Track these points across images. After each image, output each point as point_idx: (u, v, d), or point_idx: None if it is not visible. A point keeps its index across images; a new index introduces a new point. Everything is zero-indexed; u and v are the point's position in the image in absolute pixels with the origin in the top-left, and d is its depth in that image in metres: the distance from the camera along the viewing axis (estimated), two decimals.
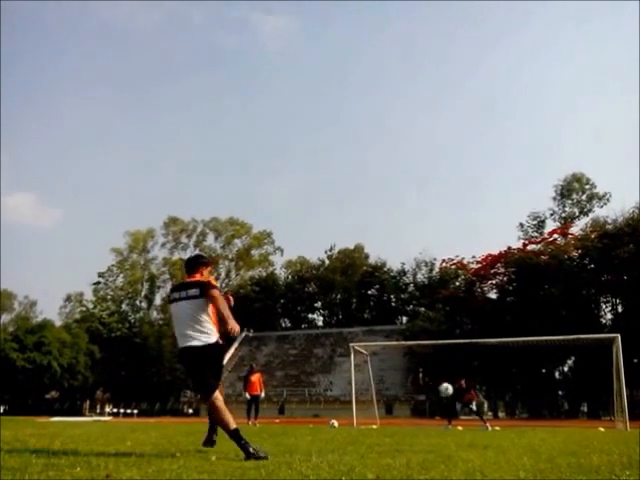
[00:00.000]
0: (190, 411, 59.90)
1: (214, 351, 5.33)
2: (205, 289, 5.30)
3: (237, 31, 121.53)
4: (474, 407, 17.70)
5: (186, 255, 78.11)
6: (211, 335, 5.29)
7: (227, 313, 5.20)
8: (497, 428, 16.08)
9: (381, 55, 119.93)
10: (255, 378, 19.22)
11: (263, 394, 19.56)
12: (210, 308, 5.37)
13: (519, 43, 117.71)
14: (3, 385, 55.06)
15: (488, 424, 16.19)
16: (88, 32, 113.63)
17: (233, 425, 5.05)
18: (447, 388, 17.03)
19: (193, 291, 5.34)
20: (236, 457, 4.90)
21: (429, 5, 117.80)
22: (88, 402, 69.39)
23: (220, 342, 5.40)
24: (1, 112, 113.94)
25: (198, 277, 5.57)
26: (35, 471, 3.69)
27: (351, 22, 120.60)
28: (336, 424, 16.75)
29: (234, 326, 5.13)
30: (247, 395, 19.00)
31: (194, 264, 5.72)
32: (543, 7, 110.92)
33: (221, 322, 5.29)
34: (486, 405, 67.24)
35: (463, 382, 17.42)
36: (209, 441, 5.76)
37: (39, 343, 54.32)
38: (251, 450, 4.81)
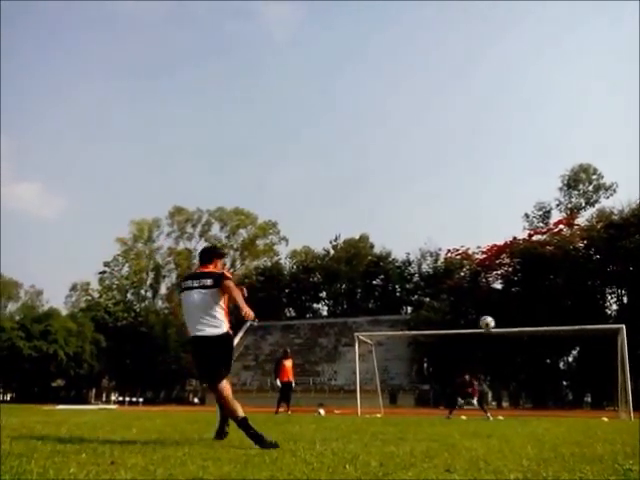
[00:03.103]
0: (196, 400, 60.23)
1: (225, 341, 5.40)
2: (220, 280, 5.36)
3: (242, 19, 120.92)
4: (475, 402, 17.57)
5: (191, 245, 78.43)
6: (223, 326, 5.36)
7: (241, 300, 5.28)
8: (500, 417, 16.12)
9: (388, 42, 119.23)
10: (289, 364, 18.02)
11: (294, 382, 18.43)
12: (223, 300, 5.43)
13: (528, 33, 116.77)
14: (10, 373, 55.40)
15: (489, 414, 16.19)
16: (93, 19, 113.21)
17: (242, 414, 5.07)
18: (489, 323, 17.15)
19: (208, 281, 5.38)
20: (240, 444, 4.93)
21: None
22: (94, 390, 69.83)
23: (231, 333, 5.47)
24: (5, 100, 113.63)
25: (212, 268, 5.62)
26: (41, 457, 3.72)
27: (357, 11, 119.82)
28: (323, 412, 16.82)
29: (248, 311, 5.19)
30: (278, 383, 17.71)
31: (209, 255, 5.77)
32: None
33: (236, 309, 5.36)
34: (490, 395, 67.37)
35: (467, 376, 17.43)
36: (221, 433, 5.80)
37: (45, 332, 54.59)
38: (261, 438, 4.82)
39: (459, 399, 17.77)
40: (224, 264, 5.94)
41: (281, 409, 17.55)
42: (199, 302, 5.34)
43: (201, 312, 5.32)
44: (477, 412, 17.36)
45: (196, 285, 5.41)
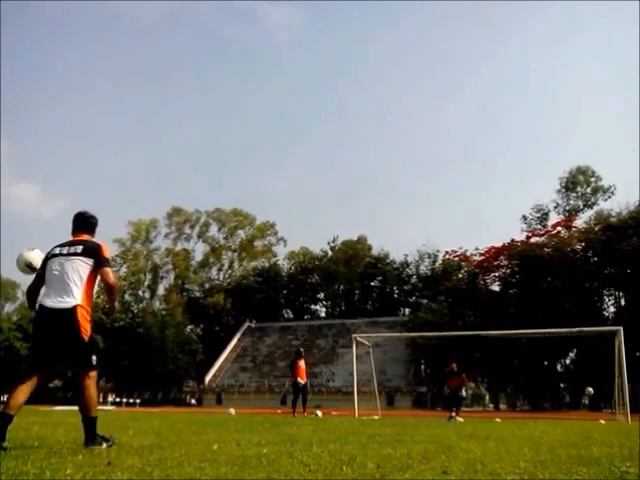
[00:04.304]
0: (193, 401, 60.16)
1: (80, 319, 4.62)
2: (99, 253, 4.80)
3: (243, 21, 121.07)
4: (464, 393, 17.17)
5: (189, 246, 78.36)
6: (79, 300, 4.66)
7: (114, 292, 4.95)
8: (498, 420, 16.12)
9: (389, 43, 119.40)
10: (303, 364, 17.71)
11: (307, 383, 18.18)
12: (88, 274, 4.74)
13: (528, 35, 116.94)
14: (7, 374, 55.28)
15: (458, 416, 15.84)
16: (93, 22, 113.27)
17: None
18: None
19: (80, 249, 4.79)
20: (238, 446, 4.93)
21: None
22: None
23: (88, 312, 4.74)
24: (4, 102, 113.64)
25: (86, 237, 4.99)
26: (38, 458, 3.72)
27: (358, 14, 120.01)
28: (320, 414, 16.79)
29: (115, 305, 5.08)
30: (300, 381, 17.40)
31: (86, 222, 5.12)
32: None
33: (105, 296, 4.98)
34: (487, 397, 67.35)
35: (454, 365, 16.97)
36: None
37: None
38: (94, 438, 4.57)
39: (445, 388, 17.34)
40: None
41: (299, 409, 17.30)
42: (69, 271, 4.69)
43: (68, 283, 4.66)
44: (478, 413, 17.30)
45: (69, 252, 4.78)
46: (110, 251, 5.05)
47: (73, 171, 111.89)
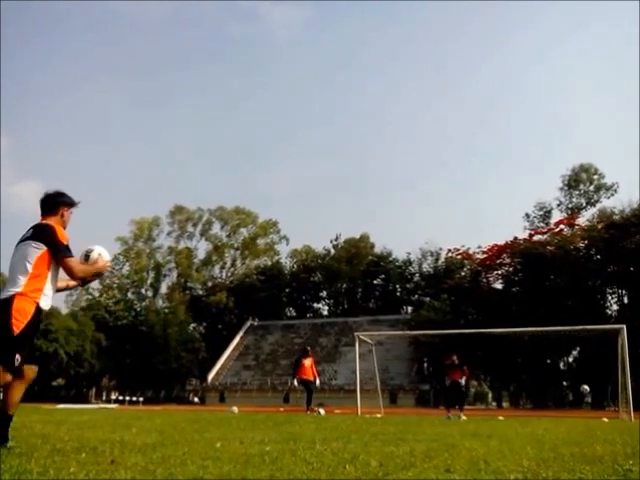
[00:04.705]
0: (196, 399, 60.25)
1: (14, 309, 4.06)
2: (49, 236, 4.23)
3: (245, 20, 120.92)
4: (462, 382, 16.96)
5: (192, 244, 78.40)
6: (21, 288, 4.12)
7: (87, 282, 4.71)
8: (501, 418, 16.09)
9: (389, 43, 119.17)
10: (309, 362, 17.25)
11: (318, 382, 17.63)
12: (36, 259, 4.19)
13: (530, 34, 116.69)
14: None
15: (462, 413, 15.78)
16: (97, 19, 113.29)
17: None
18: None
19: (30, 232, 4.32)
20: (241, 444, 4.93)
21: None
22: (94, 389, 69.88)
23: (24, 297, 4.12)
24: (6, 99, 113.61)
25: (53, 220, 4.41)
26: (41, 456, 3.72)
27: (360, 12, 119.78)
28: (323, 412, 16.78)
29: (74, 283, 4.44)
30: (295, 382, 17.30)
31: (48, 203, 4.51)
32: None
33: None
34: (490, 395, 67.30)
35: (455, 357, 16.76)
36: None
37: (46, 331, 54.59)
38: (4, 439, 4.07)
39: (446, 379, 17.12)
40: (69, 215, 4.57)
41: (315, 407, 17.12)
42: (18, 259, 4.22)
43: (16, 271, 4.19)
44: (480, 411, 17.25)
45: (20, 239, 4.33)
46: (66, 237, 4.31)
47: (74, 169, 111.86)
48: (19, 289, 4.08)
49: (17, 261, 4.21)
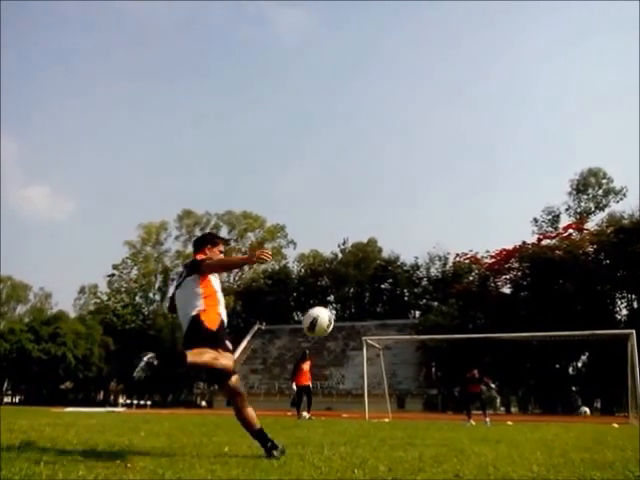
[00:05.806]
0: (203, 403, 60.30)
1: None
2: (195, 266, 4.58)
3: (253, 25, 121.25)
4: (484, 389, 17.15)
5: None
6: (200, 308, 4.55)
7: (226, 259, 4.90)
8: (509, 423, 16.02)
9: (399, 45, 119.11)
10: (307, 366, 17.30)
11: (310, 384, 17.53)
12: (202, 284, 4.56)
13: (539, 36, 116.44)
14: (19, 375, 55.76)
15: (488, 419, 16.03)
16: (105, 24, 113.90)
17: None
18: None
19: (184, 272, 4.67)
20: (248, 448, 4.92)
21: None
22: (102, 393, 70.08)
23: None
24: (14, 103, 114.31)
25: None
26: (50, 459, 3.73)
27: (367, 19, 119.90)
28: (307, 416, 16.70)
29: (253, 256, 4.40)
30: (294, 386, 17.24)
31: (197, 243, 4.91)
32: None
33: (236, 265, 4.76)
34: (499, 400, 67.06)
35: (476, 372, 16.96)
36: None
37: (54, 334, 54.91)
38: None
39: (460, 389, 17.32)
40: (221, 252, 4.85)
41: (301, 412, 16.96)
42: (182, 299, 4.64)
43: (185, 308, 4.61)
44: (489, 417, 17.14)
45: (178, 282, 4.71)
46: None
47: (83, 173, 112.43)
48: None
49: (189, 294, 4.68)
